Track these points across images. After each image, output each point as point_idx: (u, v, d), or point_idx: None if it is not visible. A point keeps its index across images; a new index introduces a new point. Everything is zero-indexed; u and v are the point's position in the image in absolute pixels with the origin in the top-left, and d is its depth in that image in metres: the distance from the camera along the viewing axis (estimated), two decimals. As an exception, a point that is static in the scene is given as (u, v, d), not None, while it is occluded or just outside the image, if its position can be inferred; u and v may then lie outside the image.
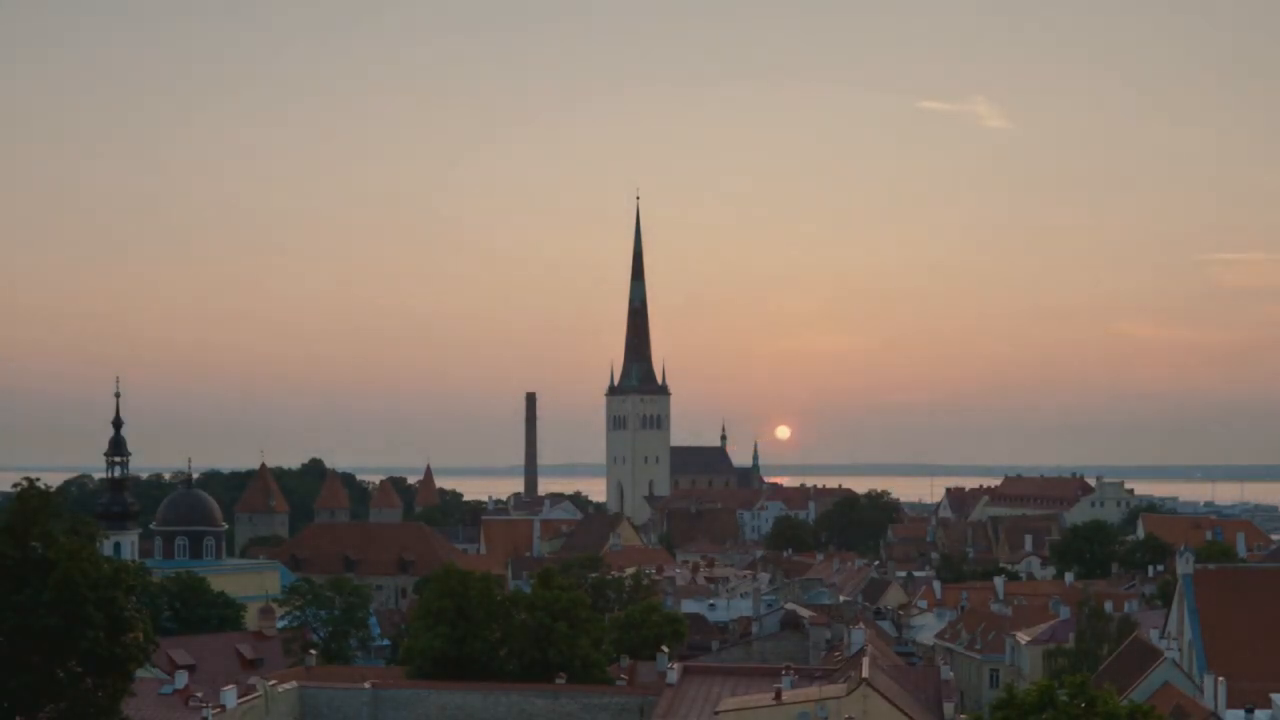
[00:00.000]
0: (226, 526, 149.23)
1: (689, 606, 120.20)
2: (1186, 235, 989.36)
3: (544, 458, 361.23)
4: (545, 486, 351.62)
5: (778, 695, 58.78)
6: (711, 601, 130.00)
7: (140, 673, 57.66)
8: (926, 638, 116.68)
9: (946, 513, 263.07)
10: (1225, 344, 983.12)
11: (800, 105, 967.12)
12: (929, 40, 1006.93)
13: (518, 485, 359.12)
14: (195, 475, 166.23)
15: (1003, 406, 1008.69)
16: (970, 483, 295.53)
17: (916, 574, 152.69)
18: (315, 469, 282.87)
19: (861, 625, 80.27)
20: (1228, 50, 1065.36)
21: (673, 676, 67.02)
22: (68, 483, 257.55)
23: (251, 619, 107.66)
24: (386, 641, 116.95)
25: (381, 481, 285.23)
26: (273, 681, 69.33)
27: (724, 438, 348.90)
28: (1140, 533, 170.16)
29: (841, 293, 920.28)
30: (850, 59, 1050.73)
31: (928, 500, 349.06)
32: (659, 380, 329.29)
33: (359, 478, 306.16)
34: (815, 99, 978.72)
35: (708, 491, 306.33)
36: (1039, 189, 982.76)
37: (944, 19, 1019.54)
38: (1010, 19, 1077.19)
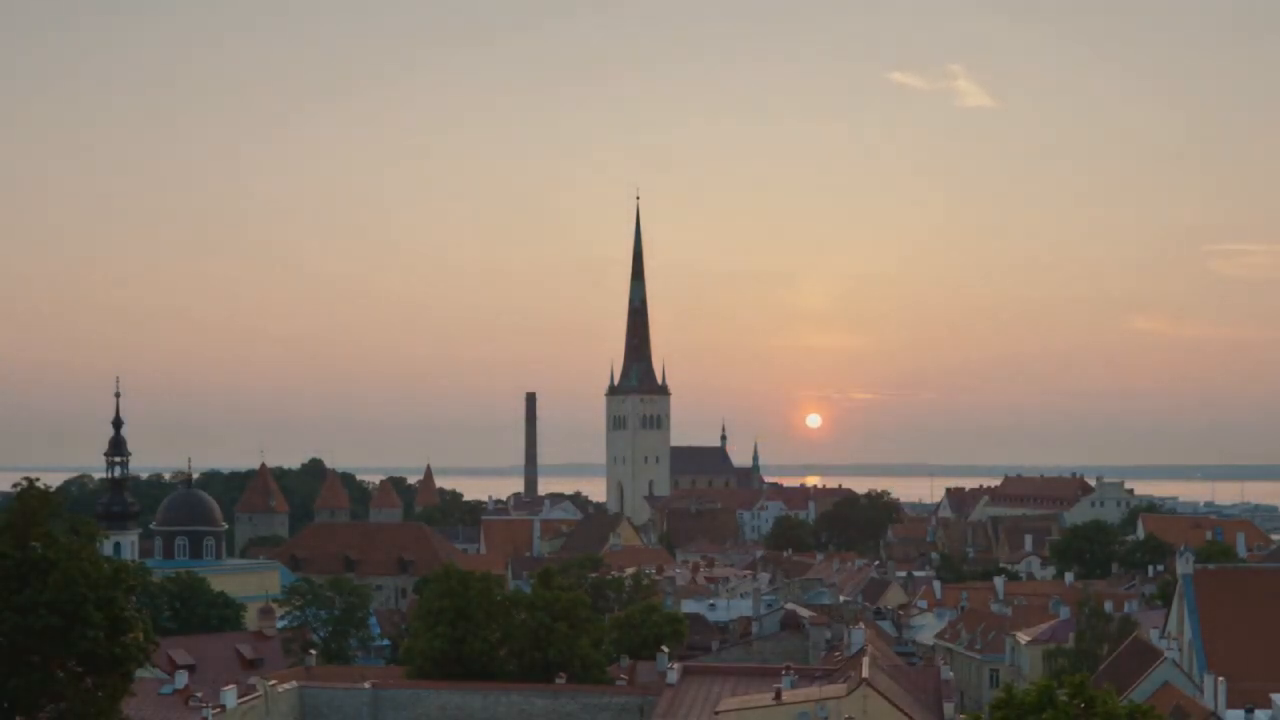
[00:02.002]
0: (226, 526, 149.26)
1: (689, 606, 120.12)
2: (1190, 225, 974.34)
3: (544, 458, 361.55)
4: (545, 486, 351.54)
5: (778, 695, 58.79)
6: (711, 601, 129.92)
7: (140, 673, 57.66)
8: (926, 638, 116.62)
9: (946, 513, 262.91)
10: (1228, 339, 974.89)
11: (800, 101, 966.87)
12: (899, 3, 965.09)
13: (518, 485, 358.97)
14: (195, 475, 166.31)
15: (1003, 405, 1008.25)
16: (970, 483, 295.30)
17: (916, 574, 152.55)
18: (315, 469, 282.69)
19: (861, 625, 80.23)
20: (1230, 23, 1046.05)
21: (673, 676, 67.03)
22: (68, 483, 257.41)
23: (251, 619, 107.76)
24: (386, 641, 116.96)
25: (381, 481, 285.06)
26: (273, 681, 69.35)
27: (724, 438, 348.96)
28: (1140, 533, 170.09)
29: (842, 291, 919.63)
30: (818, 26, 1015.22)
31: (928, 500, 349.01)
32: (659, 380, 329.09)
33: (359, 478, 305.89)
34: (815, 91, 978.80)
35: (708, 491, 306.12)
36: (1027, 176, 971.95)
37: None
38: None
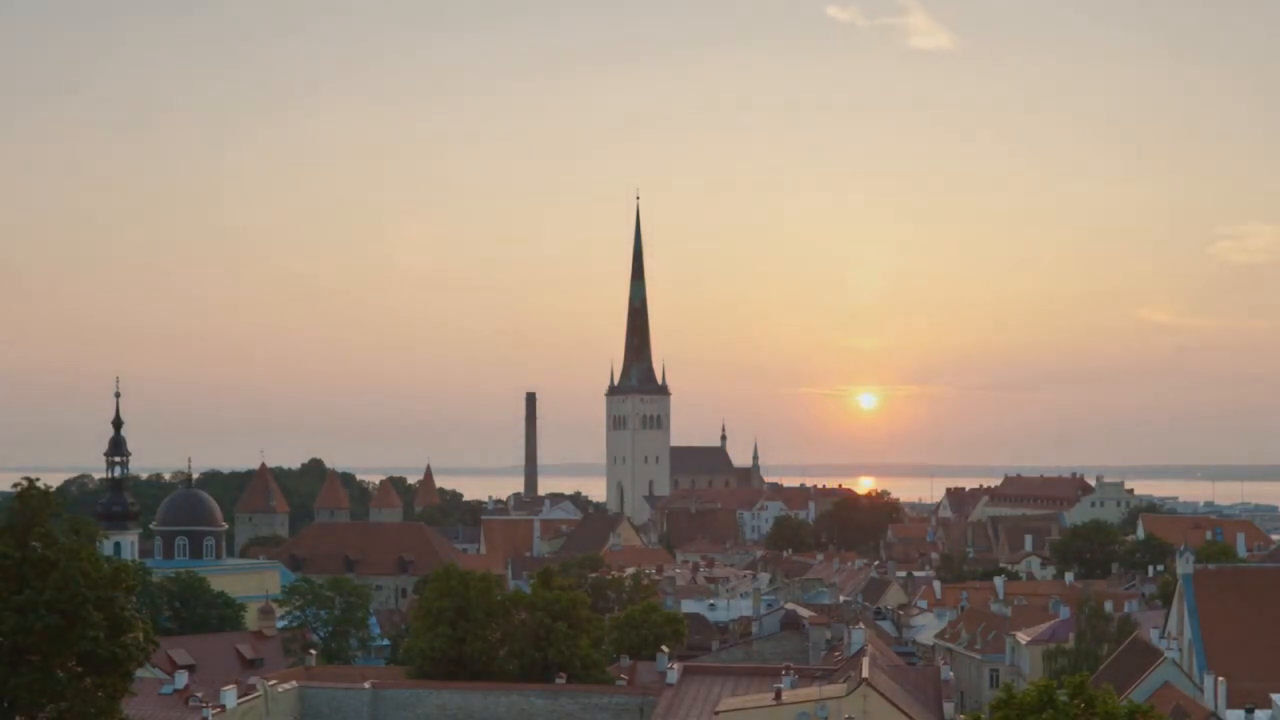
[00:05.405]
0: (226, 526, 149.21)
1: (689, 606, 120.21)
2: (1194, 205, 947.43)
3: (544, 458, 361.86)
4: (545, 486, 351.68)
5: (778, 695, 58.80)
6: (711, 601, 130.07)
7: (140, 673, 57.67)
8: (926, 638, 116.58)
9: (946, 513, 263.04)
10: (1229, 332, 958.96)
11: (804, 102, 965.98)
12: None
13: (518, 485, 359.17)
14: (195, 475, 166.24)
15: (1004, 403, 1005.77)
16: (970, 483, 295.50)
17: (916, 574, 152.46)
18: (315, 469, 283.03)
19: (861, 625, 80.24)
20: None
21: (673, 676, 67.07)
22: (68, 483, 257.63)
23: (251, 619, 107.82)
24: (386, 641, 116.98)
25: (381, 481, 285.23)
26: (273, 681, 69.39)
27: (724, 438, 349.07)
28: (1140, 533, 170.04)
29: (844, 288, 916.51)
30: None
31: (928, 500, 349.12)
32: (659, 380, 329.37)
33: (359, 478, 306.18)
34: (817, 92, 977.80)
35: (708, 491, 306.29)
36: (992, 134, 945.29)
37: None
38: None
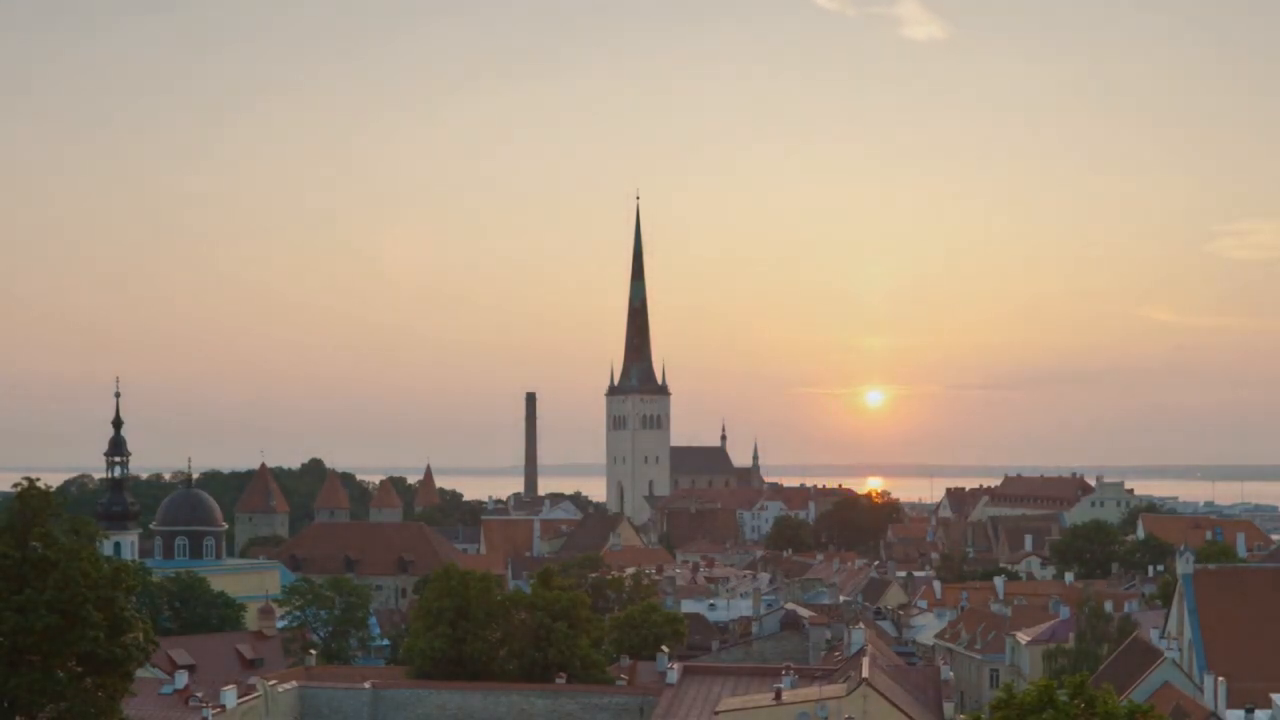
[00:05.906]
0: (226, 526, 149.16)
1: (689, 606, 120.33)
2: (1192, 203, 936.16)
3: (544, 458, 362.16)
4: (545, 486, 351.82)
5: (778, 695, 58.82)
6: (711, 601, 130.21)
7: (140, 673, 57.68)
8: (926, 638, 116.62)
9: (946, 513, 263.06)
10: (1230, 331, 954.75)
11: (798, 97, 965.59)
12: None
13: (518, 485, 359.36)
14: (195, 475, 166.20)
15: (1005, 402, 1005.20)
16: (970, 483, 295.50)
17: (916, 574, 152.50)
18: (315, 469, 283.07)
19: (861, 625, 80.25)
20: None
21: (673, 676, 67.10)
22: (68, 483, 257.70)
23: (251, 619, 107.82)
24: (386, 641, 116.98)
25: (381, 481, 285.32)
26: (273, 681, 69.42)
27: (724, 438, 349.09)
28: (1140, 533, 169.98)
29: (843, 288, 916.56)
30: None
31: (928, 500, 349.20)
32: (659, 380, 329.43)
33: (359, 478, 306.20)
34: (824, 102, 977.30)
35: (708, 491, 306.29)
36: (988, 129, 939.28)
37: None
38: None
